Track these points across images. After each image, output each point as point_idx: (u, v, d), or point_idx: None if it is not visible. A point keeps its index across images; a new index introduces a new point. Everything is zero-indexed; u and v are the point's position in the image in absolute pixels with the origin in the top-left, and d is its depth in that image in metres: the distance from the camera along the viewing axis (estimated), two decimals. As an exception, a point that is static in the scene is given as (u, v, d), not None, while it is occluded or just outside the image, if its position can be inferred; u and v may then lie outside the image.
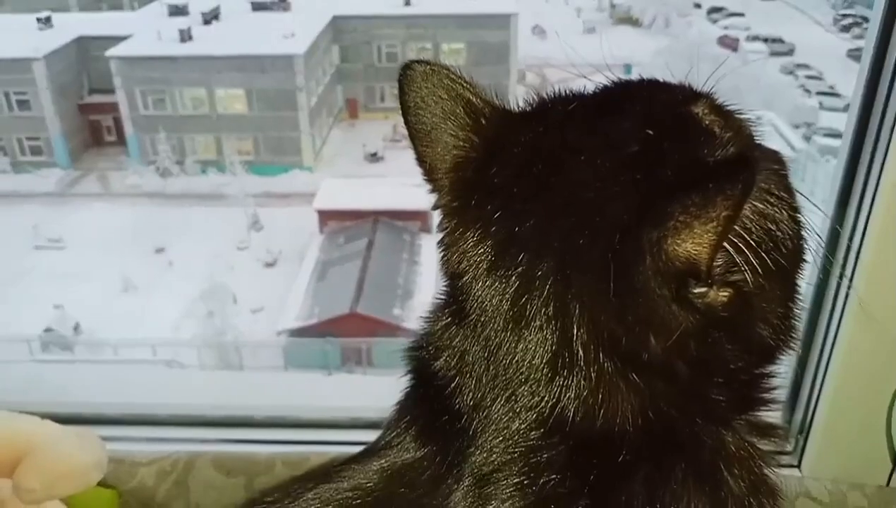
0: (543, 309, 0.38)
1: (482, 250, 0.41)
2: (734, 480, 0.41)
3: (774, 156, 0.44)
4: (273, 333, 7.43)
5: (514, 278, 0.39)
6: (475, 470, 0.41)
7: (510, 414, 0.41)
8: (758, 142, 0.44)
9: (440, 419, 0.43)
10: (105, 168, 10.12)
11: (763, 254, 0.37)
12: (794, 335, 0.43)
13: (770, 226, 0.40)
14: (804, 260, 0.44)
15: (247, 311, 7.79)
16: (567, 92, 0.45)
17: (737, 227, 0.35)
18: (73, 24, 10.19)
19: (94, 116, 10.33)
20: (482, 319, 0.41)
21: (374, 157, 9.90)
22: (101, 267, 8.32)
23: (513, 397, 0.41)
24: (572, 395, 0.38)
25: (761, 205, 0.39)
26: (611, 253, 0.36)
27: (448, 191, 0.46)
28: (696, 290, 0.37)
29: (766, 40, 10.89)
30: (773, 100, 10.23)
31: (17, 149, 9.99)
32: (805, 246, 0.43)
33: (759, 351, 0.42)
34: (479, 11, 10.17)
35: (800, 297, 0.43)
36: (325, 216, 8.99)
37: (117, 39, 9.74)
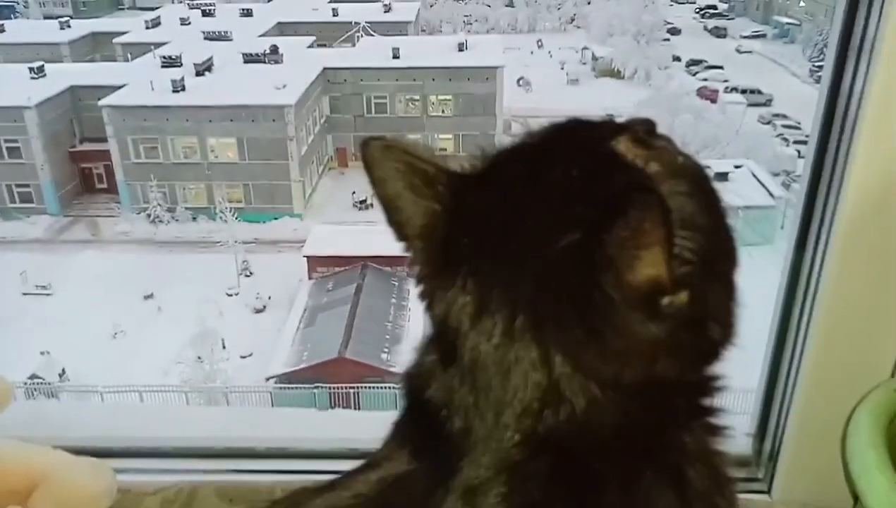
0: (527, 356, 0.43)
1: (464, 305, 0.46)
2: (697, 477, 0.46)
3: (696, 168, 0.48)
4: (262, 378, 7.40)
5: (496, 331, 0.44)
6: (465, 483, 0.45)
7: (498, 438, 0.46)
8: (683, 156, 0.48)
9: (433, 438, 0.48)
10: (95, 215, 10.16)
11: (698, 248, 0.43)
12: (736, 332, 0.48)
13: (699, 222, 0.45)
14: (736, 258, 0.49)
15: (236, 357, 7.77)
16: (507, 145, 0.49)
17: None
18: (66, 74, 10.31)
19: (85, 164, 10.39)
20: (469, 363, 0.46)
21: (363, 204, 9.98)
22: (89, 313, 8.30)
23: (501, 425, 0.45)
24: (557, 421, 0.43)
25: (690, 209, 0.44)
26: (580, 305, 0.41)
27: (421, 258, 0.50)
28: (665, 301, 0.42)
29: (744, 91, 11.16)
30: (753, 149, 10.46)
31: (6, 195, 10.03)
32: (733, 244, 0.48)
33: (711, 351, 0.47)
34: (466, 64, 10.39)
35: (739, 296, 0.48)
36: (315, 262, 9.02)
37: (110, 89, 9.85)
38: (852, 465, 0.65)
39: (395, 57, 10.39)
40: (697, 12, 11.42)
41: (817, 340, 0.91)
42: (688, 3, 11.07)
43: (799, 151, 9.34)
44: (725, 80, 10.74)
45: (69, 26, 11.13)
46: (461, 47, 10.52)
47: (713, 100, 10.04)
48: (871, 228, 0.86)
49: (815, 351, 0.93)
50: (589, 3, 11.74)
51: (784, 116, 10.26)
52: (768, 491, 1.00)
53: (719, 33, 13.20)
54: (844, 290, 0.81)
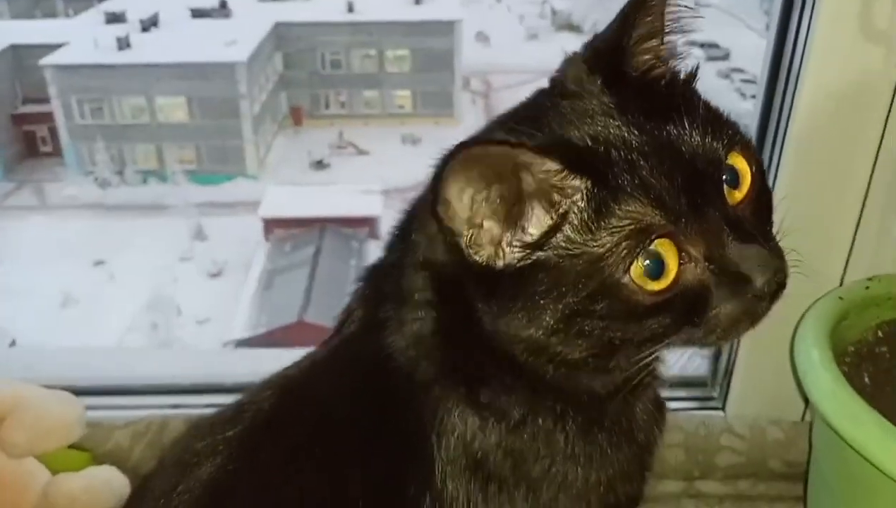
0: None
1: None
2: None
3: None
4: (219, 344, 7.38)
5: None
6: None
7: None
8: None
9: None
10: (41, 179, 9.91)
11: None
12: None
13: None
14: None
15: (192, 323, 7.72)
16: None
17: None
18: (4, 32, 9.97)
19: (28, 127, 10.10)
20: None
21: (319, 165, 9.90)
22: (38, 281, 8.14)
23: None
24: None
25: None
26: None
27: None
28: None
29: (702, 45, 11.25)
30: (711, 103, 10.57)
31: (-55, 162, 9.77)
32: None
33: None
34: (423, 18, 10.28)
35: None
36: (271, 224, 8.95)
37: (52, 47, 9.56)
38: (799, 365, 0.71)
39: (350, 11, 10.23)
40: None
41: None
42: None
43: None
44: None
45: (6, -19, 10.74)
46: (418, 1, 10.41)
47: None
48: (818, 148, 0.90)
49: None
50: (548, -45, 11.67)
51: (741, 70, 10.38)
52: (723, 408, 1.06)
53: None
54: (794, 209, 0.87)
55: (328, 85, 10.51)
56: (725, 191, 0.50)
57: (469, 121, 9.86)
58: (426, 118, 10.13)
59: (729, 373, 1.08)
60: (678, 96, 0.51)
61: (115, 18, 10.20)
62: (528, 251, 0.47)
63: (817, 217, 0.89)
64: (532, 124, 0.50)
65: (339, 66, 10.47)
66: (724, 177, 0.50)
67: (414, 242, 0.55)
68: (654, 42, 0.54)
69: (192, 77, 9.82)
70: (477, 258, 0.48)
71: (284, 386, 0.60)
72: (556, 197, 0.46)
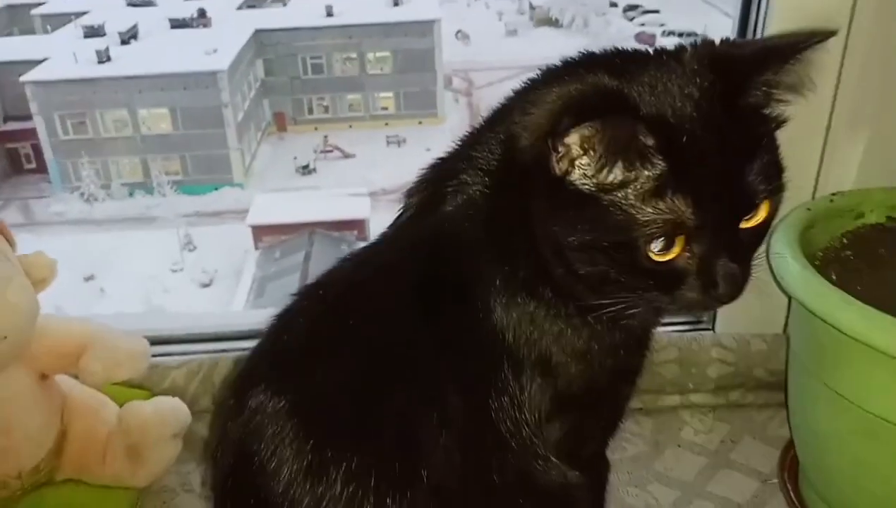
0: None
1: None
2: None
3: None
4: (215, 352, 7.44)
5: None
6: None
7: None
8: None
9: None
10: (26, 197, 9.96)
11: None
12: None
13: None
14: None
15: (186, 332, 7.78)
16: None
17: None
18: (-18, 51, 10.03)
19: (11, 144, 10.15)
20: None
21: (305, 170, 9.99)
22: (28, 298, 8.17)
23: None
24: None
25: None
26: None
27: None
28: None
29: (680, 35, 11.45)
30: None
31: (-74, 183, 9.78)
32: None
33: None
34: (402, 19, 10.40)
35: None
36: (260, 231, 9.02)
37: (31, 63, 9.60)
38: (774, 262, 0.84)
39: (329, 15, 10.34)
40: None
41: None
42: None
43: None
44: (662, 24, 10.99)
45: (-19, 0, 10.78)
46: (396, 2, 10.51)
47: (651, 45, 10.23)
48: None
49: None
50: (523, -48, 11.84)
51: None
52: (712, 328, 1.19)
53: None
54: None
55: (310, 90, 10.60)
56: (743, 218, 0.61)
57: (453, 120, 9.99)
58: (410, 119, 10.25)
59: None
60: (761, 137, 0.61)
61: (93, 32, 10.26)
62: (594, 187, 0.59)
63: (789, 141, 1.03)
64: (652, 86, 0.60)
65: (321, 70, 10.57)
66: (749, 213, 0.61)
67: (505, 128, 0.66)
68: (774, 87, 0.62)
69: (174, 87, 9.88)
70: (557, 169, 0.59)
71: (359, 256, 0.72)
72: (638, 163, 0.57)
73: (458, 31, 11.03)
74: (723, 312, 1.20)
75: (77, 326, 0.99)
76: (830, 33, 0.61)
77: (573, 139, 0.57)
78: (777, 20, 1.00)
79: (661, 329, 1.17)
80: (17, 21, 11.12)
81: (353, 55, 10.52)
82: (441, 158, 0.73)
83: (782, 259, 0.85)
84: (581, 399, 0.71)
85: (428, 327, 0.66)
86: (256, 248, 8.92)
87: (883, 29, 0.98)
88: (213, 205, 9.76)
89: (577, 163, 0.58)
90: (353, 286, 0.70)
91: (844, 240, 0.96)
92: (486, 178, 0.67)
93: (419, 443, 0.65)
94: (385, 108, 10.59)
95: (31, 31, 10.91)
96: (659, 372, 1.16)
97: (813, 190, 1.07)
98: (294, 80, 10.55)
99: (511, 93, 0.70)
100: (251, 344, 0.72)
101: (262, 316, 0.74)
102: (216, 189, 9.88)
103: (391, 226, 0.74)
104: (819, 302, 0.80)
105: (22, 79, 9.53)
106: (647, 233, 0.58)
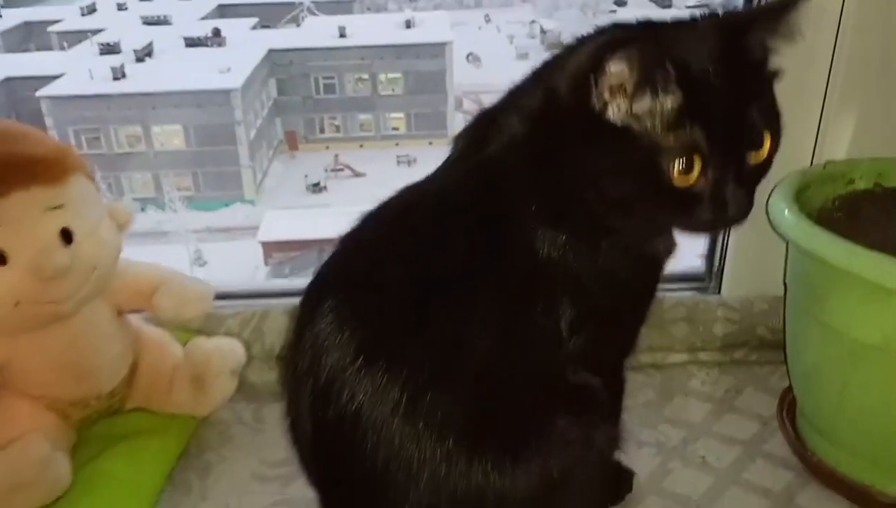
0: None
1: None
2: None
3: None
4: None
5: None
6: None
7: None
8: None
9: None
10: (39, 210, 10.14)
11: None
12: None
13: None
14: None
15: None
16: None
17: None
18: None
19: (25, 158, 10.35)
20: None
21: (316, 187, 10.16)
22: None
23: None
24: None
25: None
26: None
27: None
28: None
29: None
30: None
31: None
32: None
33: None
34: (414, 41, 10.63)
35: None
36: (270, 248, 9.16)
37: (47, 79, 9.82)
38: (772, 214, 0.97)
39: (342, 36, 10.58)
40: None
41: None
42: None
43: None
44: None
45: (0, 16, 11.05)
46: (408, 24, 10.76)
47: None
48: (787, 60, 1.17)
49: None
50: (535, -23, 12.10)
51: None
52: (719, 292, 1.31)
53: (664, 3, 13.68)
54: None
55: (322, 109, 10.81)
56: (749, 153, 0.75)
57: (463, 141, 10.16)
58: (421, 139, 10.44)
59: (721, 268, 1.35)
60: (762, 82, 0.76)
61: (109, 49, 10.51)
62: (627, 117, 0.71)
63: (790, 116, 1.17)
64: (673, 39, 0.72)
65: (333, 90, 10.79)
66: (754, 145, 0.75)
67: (546, 80, 0.78)
68: (769, 37, 0.76)
69: (188, 105, 10.09)
70: (595, 104, 0.71)
71: (413, 187, 0.85)
72: (661, 95, 0.70)
73: (470, 54, 11.24)
74: (727, 281, 1.33)
75: (150, 268, 1.13)
76: None
77: (611, 69, 0.70)
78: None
79: (670, 292, 1.31)
80: (34, 37, 11.38)
81: (365, 76, 10.74)
82: (486, 109, 0.87)
83: (780, 210, 0.98)
84: (601, 316, 0.84)
85: (474, 245, 0.79)
86: (266, 264, 9.04)
87: (872, 19, 1.12)
88: (224, 221, 9.93)
89: (612, 95, 0.71)
90: (409, 208, 0.83)
91: (836, 203, 1.09)
92: (527, 123, 0.80)
93: (464, 341, 0.77)
94: (396, 129, 10.80)
95: (48, 48, 11.17)
96: (669, 331, 1.28)
97: (811, 159, 1.20)
98: (306, 100, 10.77)
99: (550, 56, 0.84)
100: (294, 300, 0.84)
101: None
102: (227, 205, 10.06)
103: (441, 164, 0.87)
104: (809, 240, 0.92)
105: (38, 94, 9.75)
106: (670, 157, 0.71)
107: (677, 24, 0.78)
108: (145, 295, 1.10)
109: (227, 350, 1.14)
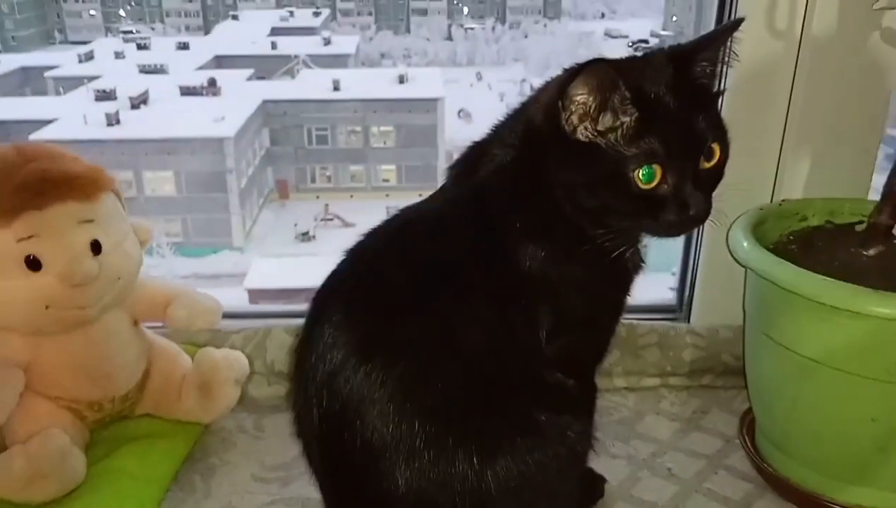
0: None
1: None
2: None
3: None
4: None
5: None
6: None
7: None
8: None
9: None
10: (26, 252, 10.19)
11: None
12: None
13: None
14: None
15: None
16: None
17: None
18: (-7, 110, 10.39)
19: (15, 200, 10.43)
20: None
21: (305, 236, 10.25)
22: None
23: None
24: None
25: None
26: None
27: None
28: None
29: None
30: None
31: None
32: None
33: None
34: (407, 96, 10.87)
35: None
36: (256, 295, 9.19)
37: (41, 123, 9.95)
38: (731, 245, 1.10)
39: (336, 89, 10.79)
40: (630, 45, 12.25)
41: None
42: (621, 37, 11.88)
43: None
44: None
45: (-3, 60, 11.26)
46: (402, 79, 11.01)
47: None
48: (747, 110, 1.31)
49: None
50: (526, 38, 12.44)
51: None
52: (688, 321, 1.44)
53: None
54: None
55: (314, 159, 10.97)
56: (701, 160, 0.87)
57: (453, 194, 10.33)
58: (411, 191, 10.51)
59: (690, 300, 1.47)
60: (707, 100, 0.90)
61: (105, 96, 10.66)
62: (594, 134, 0.84)
63: (752, 159, 1.31)
64: (628, 67, 0.86)
65: (326, 141, 10.98)
66: (704, 152, 0.87)
67: (524, 114, 0.91)
68: (709, 64, 0.90)
69: (181, 152, 10.22)
70: (566, 127, 0.84)
71: (412, 207, 0.97)
72: (620, 113, 0.83)
73: (461, 110, 11.48)
74: (696, 308, 1.45)
75: (165, 283, 1.25)
76: (740, 21, 0.91)
77: (574, 93, 0.82)
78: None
79: (645, 321, 1.42)
80: (30, 82, 11.56)
81: (358, 128, 10.94)
82: (475, 142, 0.99)
83: (738, 240, 1.11)
84: (576, 325, 0.95)
85: (466, 257, 0.90)
86: (252, 312, 9.09)
87: (824, 73, 1.27)
88: (211, 267, 9.97)
89: (580, 118, 0.84)
90: (409, 223, 0.95)
91: (790, 237, 1.21)
92: (511, 151, 0.93)
93: (455, 341, 0.87)
94: (387, 180, 10.97)
95: (44, 93, 11.35)
96: (642, 355, 1.40)
97: (771, 197, 1.34)
98: (299, 150, 10.94)
99: (527, 96, 0.97)
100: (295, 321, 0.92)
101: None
102: (215, 252, 10.11)
103: (437, 191, 0.99)
104: (763, 265, 1.05)
105: (31, 137, 9.86)
106: (633, 165, 0.83)
107: (632, 57, 0.92)
108: (160, 307, 1.21)
109: (233, 359, 1.24)
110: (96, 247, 1.08)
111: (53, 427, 1.10)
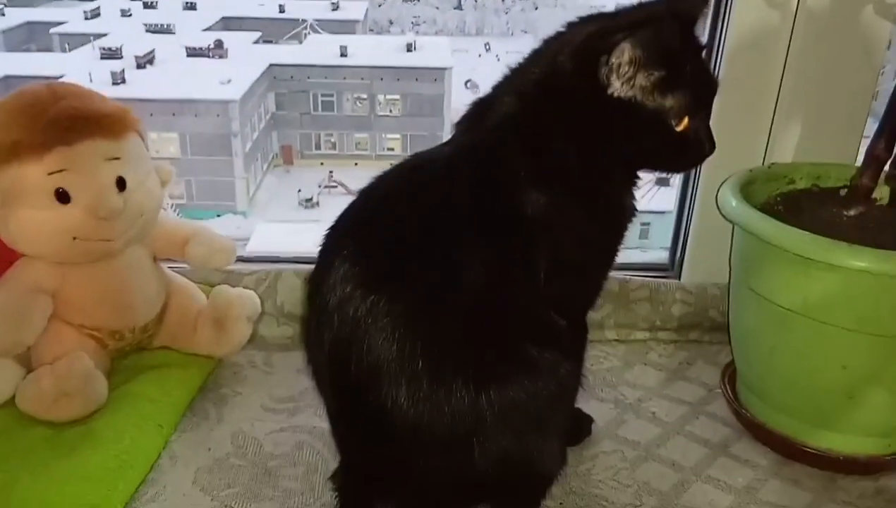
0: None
1: None
2: None
3: None
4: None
5: None
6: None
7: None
8: None
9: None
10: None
11: None
12: None
13: None
14: None
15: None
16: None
17: None
18: (-1, 64, 10.44)
19: (19, 157, 10.50)
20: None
21: (308, 203, 10.33)
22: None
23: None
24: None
25: None
26: None
27: None
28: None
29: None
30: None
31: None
32: None
33: None
34: (414, 64, 10.89)
35: None
36: (259, 260, 9.29)
37: (46, 80, 9.92)
38: (721, 203, 1.17)
39: (343, 55, 10.82)
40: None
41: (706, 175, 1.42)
42: (630, 11, 11.90)
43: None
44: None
45: (2, 14, 11.25)
46: (410, 48, 11.03)
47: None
48: (745, 73, 1.38)
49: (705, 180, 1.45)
50: (536, 9, 12.40)
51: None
52: (678, 278, 1.51)
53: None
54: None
55: (319, 126, 11.02)
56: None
57: (457, 165, 10.38)
58: (415, 160, 10.64)
59: (682, 259, 1.55)
60: (702, 49, 0.99)
61: (111, 54, 10.71)
62: (630, 89, 0.91)
63: (746, 124, 1.38)
64: (657, 28, 0.91)
65: (331, 107, 11.02)
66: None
67: (549, 62, 0.96)
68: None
69: (186, 113, 10.29)
70: (604, 80, 0.91)
71: (423, 153, 1.04)
72: (657, 70, 0.91)
73: (468, 81, 11.48)
74: (687, 267, 1.53)
75: (184, 221, 1.33)
76: None
77: (623, 50, 0.89)
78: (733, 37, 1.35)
79: (636, 276, 1.50)
80: (35, 38, 11.59)
81: (364, 95, 10.98)
82: (481, 97, 1.06)
83: (727, 198, 1.18)
84: (572, 269, 1.03)
85: (472, 200, 0.96)
86: (253, 277, 9.18)
87: (817, 41, 1.33)
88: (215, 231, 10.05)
89: (619, 73, 0.91)
90: (418, 168, 1.02)
91: (778, 198, 1.28)
92: (522, 101, 0.99)
93: (458, 278, 0.95)
94: (391, 149, 11.02)
95: (49, 49, 11.38)
96: (633, 309, 1.48)
97: (763, 160, 1.41)
98: (304, 115, 10.99)
99: (534, 50, 1.04)
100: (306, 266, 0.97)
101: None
102: (219, 215, 10.19)
103: (446, 141, 1.06)
104: (747, 219, 1.12)
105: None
106: (670, 113, 0.94)
107: (647, 14, 0.99)
108: (179, 245, 1.29)
109: (246, 297, 1.33)
110: (121, 184, 1.15)
111: (78, 351, 1.18)
